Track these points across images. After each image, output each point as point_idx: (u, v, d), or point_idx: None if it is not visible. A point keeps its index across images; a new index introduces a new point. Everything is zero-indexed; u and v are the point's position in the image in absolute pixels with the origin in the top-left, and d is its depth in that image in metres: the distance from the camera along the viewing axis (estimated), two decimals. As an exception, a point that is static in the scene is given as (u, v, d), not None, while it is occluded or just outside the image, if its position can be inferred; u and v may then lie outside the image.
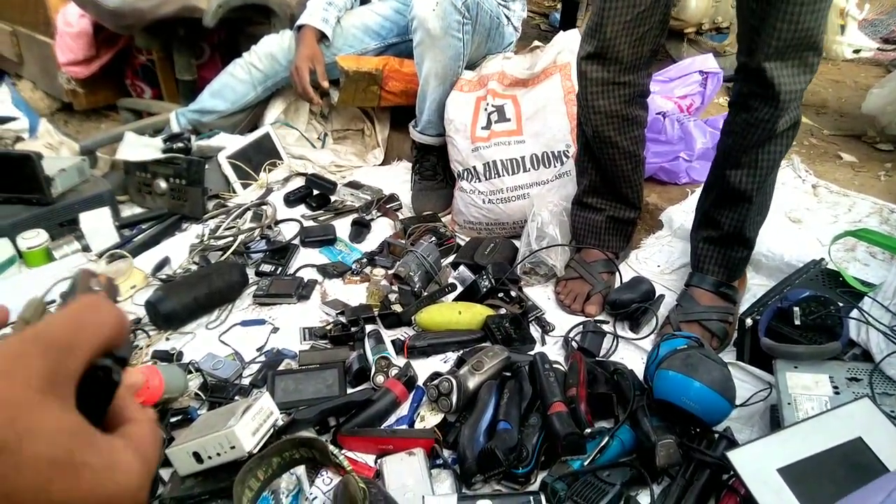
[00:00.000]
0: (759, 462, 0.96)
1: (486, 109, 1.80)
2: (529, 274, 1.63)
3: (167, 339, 1.55)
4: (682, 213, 1.70)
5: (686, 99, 1.95)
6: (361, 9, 2.21)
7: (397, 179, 2.19)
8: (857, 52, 2.89)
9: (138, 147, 2.09)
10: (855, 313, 1.21)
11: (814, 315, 1.21)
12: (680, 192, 1.79)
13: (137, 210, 2.12)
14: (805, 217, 1.65)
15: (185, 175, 1.99)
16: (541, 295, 1.60)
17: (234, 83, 2.20)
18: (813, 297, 1.23)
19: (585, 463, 1.10)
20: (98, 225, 1.94)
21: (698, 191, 1.74)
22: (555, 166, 1.73)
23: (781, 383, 1.13)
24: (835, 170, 1.92)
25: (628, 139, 1.44)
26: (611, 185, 1.50)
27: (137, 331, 1.56)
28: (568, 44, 1.83)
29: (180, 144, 2.11)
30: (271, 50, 2.15)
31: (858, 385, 1.10)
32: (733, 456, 0.98)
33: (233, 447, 1.11)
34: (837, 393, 1.10)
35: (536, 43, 2.02)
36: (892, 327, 1.14)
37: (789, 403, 1.09)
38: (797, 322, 1.23)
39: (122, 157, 2.07)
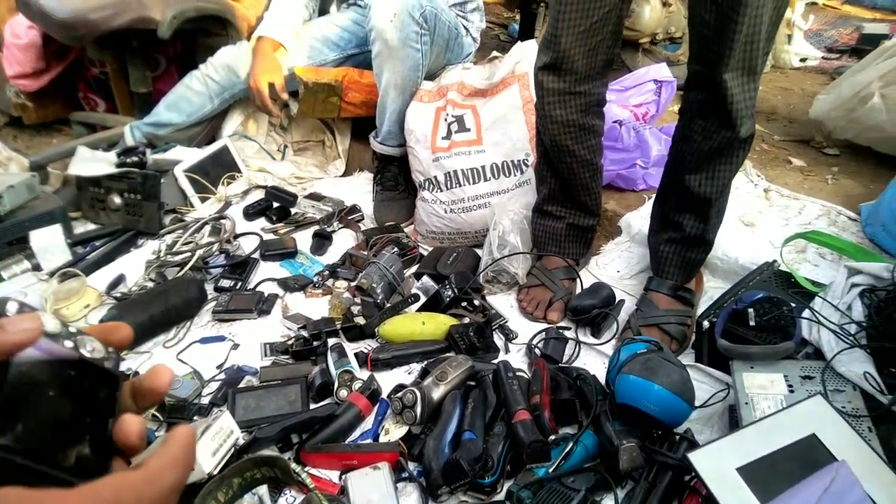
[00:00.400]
0: (718, 462, 0.98)
1: (445, 119, 1.81)
2: (492, 282, 1.64)
3: (123, 359, 1.51)
4: (639, 219, 1.72)
5: (641, 107, 1.99)
6: (320, 20, 2.20)
7: (359, 190, 2.18)
8: (803, 60, 2.99)
9: (91, 162, 2.04)
10: (807, 313, 1.25)
11: (767, 316, 1.24)
12: (637, 198, 1.82)
13: (91, 227, 2.06)
14: (758, 220, 1.69)
15: (140, 190, 1.94)
16: (504, 303, 1.60)
17: (190, 95, 2.17)
18: (766, 299, 1.27)
19: (550, 470, 1.11)
20: (49, 243, 1.88)
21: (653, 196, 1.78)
22: (515, 175, 1.75)
23: (738, 383, 1.16)
24: (785, 174, 1.98)
25: (585, 148, 1.46)
26: (570, 193, 1.52)
27: (92, 351, 1.51)
28: (526, 54, 1.85)
29: (135, 158, 2.07)
30: (228, 62, 2.12)
31: (812, 383, 1.13)
32: (693, 457, 1.00)
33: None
34: (792, 391, 1.12)
35: (495, 53, 2.03)
36: (842, 326, 1.18)
37: (746, 403, 1.12)
38: (752, 323, 1.26)
39: (75, 173, 2.02)
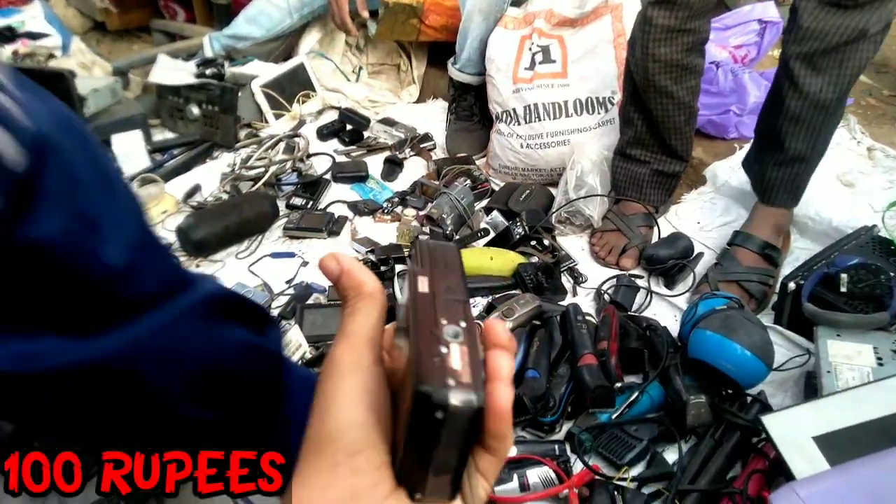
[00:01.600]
0: (794, 428, 0.94)
1: (530, 49, 1.72)
2: (564, 223, 1.59)
3: (197, 266, 1.56)
4: (727, 170, 1.63)
5: (741, 49, 1.85)
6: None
7: (432, 118, 2.14)
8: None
9: (171, 70, 2.05)
10: (906, 284, 1.16)
11: (862, 283, 1.16)
12: (727, 147, 1.72)
13: (169, 135, 2.10)
14: (858, 181, 1.57)
15: (218, 102, 1.96)
16: (575, 245, 1.56)
17: (269, 9, 2.14)
18: (862, 265, 1.18)
19: (613, 417, 1.09)
20: (130, 148, 1.93)
21: (746, 146, 1.67)
22: (599, 113, 1.67)
23: (822, 351, 1.10)
24: (893, 133, 1.82)
25: (685, 89, 1.38)
26: (659, 137, 1.44)
27: (168, 256, 1.56)
28: (622, -18, 1.73)
29: (213, 70, 2.08)
30: (310, -25, 2.07)
31: (904, 357, 1.06)
32: (768, 420, 0.96)
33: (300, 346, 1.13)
34: (881, 364, 1.06)
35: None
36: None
37: (829, 371, 1.06)
38: (843, 289, 1.18)
39: (155, 80, 2.04)
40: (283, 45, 2.25)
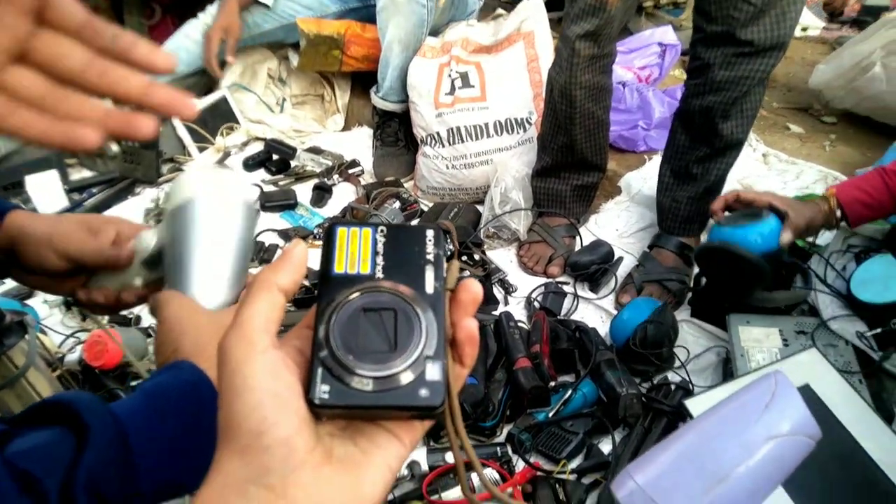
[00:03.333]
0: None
1: (449, 76, 1.80)
2: (492, 238, 1.65)
3: (124, 302, 1.52)
4: (640, 179, 1.74)
5: (645, 70, 1.99)
6: (322, -30, 2.16)
7: (359, 145, 2.17)
8: (804, 30, 2.98)
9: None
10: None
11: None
12: (638, 159, 1.83)
13: (87, 174, 2.04)
14: (756, 183, 1.71)
15: (139, 137, 1.92)
16: (503, 258, 1.62)
17: (188, 44, 2.13)
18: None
19: (550, 415, 1.14)
20: (46, 188, 1.87)
21: (656, 158, 1.79)
22: (518, 133, 1.75)
23: (734, 336, 1.19)
24: (783, 140, 2.00)
25: (602, 108, 1.48)
26: (579, 157, 1.53)
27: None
28: (531, 12, 1.83)
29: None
30: (228, 9, 2.08)
31: (805, 338, 1.16)
32: (690, 403, 1.03)
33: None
34: (786, 345, 1.16)
35: (500, 11, 2.02)
36: (834, 289, 1.21)
37: (742, 355, 1.15)
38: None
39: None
40: (205, 79, 2.24)
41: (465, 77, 1.79)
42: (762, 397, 0.77)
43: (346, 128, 2.32)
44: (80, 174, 2.04)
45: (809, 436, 0.75)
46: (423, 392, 0.30)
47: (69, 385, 1.22)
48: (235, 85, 2.23)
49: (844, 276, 1.24)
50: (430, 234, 0.34)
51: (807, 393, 1.01)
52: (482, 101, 1.76)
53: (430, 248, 0.33)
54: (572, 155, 1.54)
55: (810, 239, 1.41)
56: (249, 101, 2.26)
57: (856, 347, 1.13)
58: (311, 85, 2.37)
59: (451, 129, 1.76)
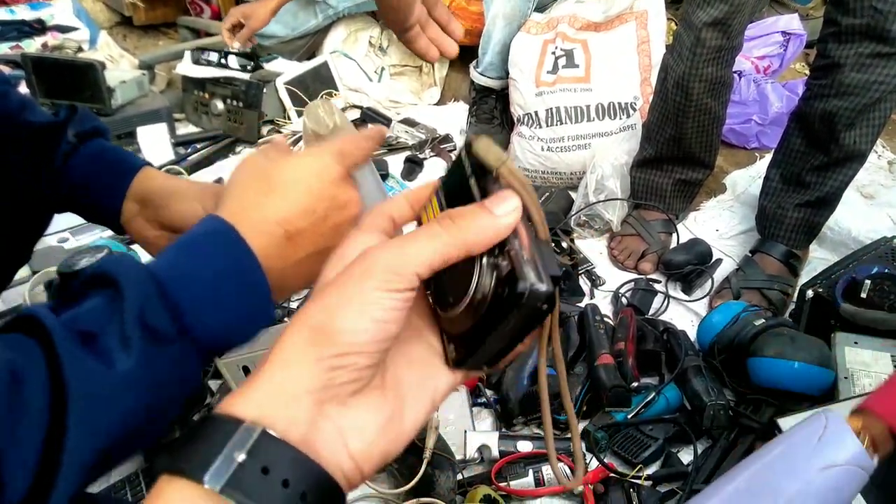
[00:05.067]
0: (811, 432, 0.94)
1: (553, 53, 1.74)
2: (583, 226, 1.60)
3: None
4: (747, 178, 1.64)
5: (764, 60, 1.86)
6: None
7: (453, 120, 2.15)
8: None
9: (198, 68, 2.08)
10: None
11: (884, 293, 1.17)
12: (747, 156, 1.73)
13: (193, 129, 2.13)
14: (878, 193, 1.58)
15: (243, 98, 1.98)
16: (593, 249, 1.57)
17: (294, 9, 2.17)
18: (886, 275, 1.18)
19: (629, 416, 1.10)
20: (155, 140, 1.96)
21: (767, 156, 1.67)
22: (621, 118, 1.68)
23: (840, 357, 1.10)
24: (914, 147, 1.83)
25: (721, 103, 1.40)
26: (687, 151, 1.45)
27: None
28: (647, -11, 1.74)
29: (242, 61, 2.10)
30: (336, -23, 2.10)
31: (922, 367, 1.06)
32: (783, 422, 0.97)
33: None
34: (899, 372, 1.06)
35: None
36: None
37: (846, 378, 1.06)
38: (864, 296, 1.18)
39: (181, 73, 2.07)
40: (308, 43, 2.27)
41: (569, 55, 1.73)
42: (814, 433, 0.77)
43: (442, 101, 2.30)
44: (186, 129, 2.14)
45: (863, 467, 0.74)
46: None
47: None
48: (337, 52, 2.25)
49: (975, 304, 1.12)
50: (462, 155, 0.35)
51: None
52: (586, 83, 1.70)
53: (466, 165, 0.34)
54: (679, 148, 1.46)
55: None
56: (350, 69, 2.28)
57: (982, 385, 1.02)
58: (411, 56, 2.36)
59: (551, 109, 1.71)
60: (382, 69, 2.37)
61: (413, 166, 1.87)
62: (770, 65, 1.87)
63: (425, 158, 1.93)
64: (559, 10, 1.82)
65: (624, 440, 1.06)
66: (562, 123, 1.70)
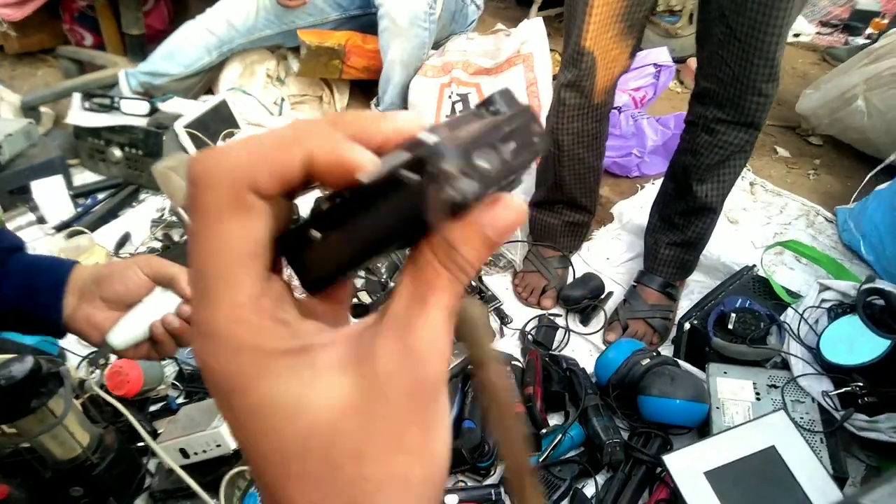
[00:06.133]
0: (689, 465, 1.12)
1: (450, 97, 1.84)
2: (490, 265, 1.73)
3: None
4: (631, 208, 1.81)
5: (640, 91, 2.03)
6: (323, -25, 2.15)
7: (357, 152, 2.21)
8: (796, 35, 3.02)
9: (88, 111, 2.01)
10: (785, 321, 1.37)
11: (746, 324, 1.37)
12: (631, 185, 1.90)
13: (90, 175, 2.08)
14: (741, 217, 1.79)
15: (142, 146, 1.95)
16: (499, 285, 1.70)
17: (186, 46, 2.13)
18: (749, 309, 1.39)
19: (540, 459, 1.24)
20: (52, 194, 1.90)
21: (648, 186, 1.86)
22: (516, 159, 1.80)
23: (712, 387, 1.29)
24: (771, 165, 2.07)
25: (594, 154, 1.53)
26: (570, 195, 1.59)
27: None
28: (531, 35, 1.86)
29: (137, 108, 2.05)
30: (228, 16, 2.08)
31: (776, 392, 1.27)
32: (668, 459, 1.14)
33: (218, 445, 1.19)
34: (759, 399, 1.26)
35: (500, 26, 2.04)
36: (808, 346, 1.31)
37: (718, 408, 1.25)
38: (731, 327, 1.38)
39: (73, 122, 2.00)
40: (203, 80, 2.24)
41: (465, 100, 1.83)
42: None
43: (345, 130, 2.35)
44: (82, 176, 2.08)
45: None
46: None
47: (93, 413, 1.30)
48: (234, 89, 2.24)
49: (816, 330, 1.34)
50: None
51: (771, 454, 1.12)
52: (482, 127, 1.80)
53: None
54: (562, 193, 1.61)
55: (790, 280, 1.51)
56: (249, 103, 2.27)
57: (821, 405, 1.24)
58: (310, 86, 2.38)
59: (452, 153, 1.81)
60: (282, 100, 2.38)
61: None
62: (645, 95, 2.05)
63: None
64: (452, 54, 1.91)
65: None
66: (463, 166, 1.80)
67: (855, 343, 1.25)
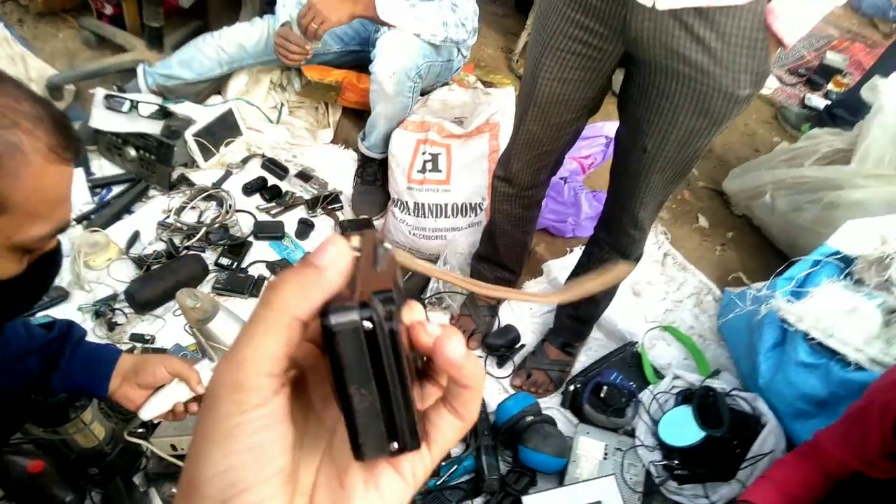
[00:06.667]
0: (540, 506, 1.57)
1: (423, 154, 2.15)
2: (434, 305, 2.11)
3: (142, 320, 1.97)
4: (559, 268, 2.19)
5: (589, 158, 2.36)
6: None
7: (343, 168, 2.53)
8: (759, 89, 3.28)
9: (110, 116, 2.30)
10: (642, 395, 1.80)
11: (613, 397, 1.79)
12: (563, 245, 2.27)
13: (105, 163, 2.39)
14: (644, 290, 2.18)
15: (155, 152, 2.26)
16: (440, 322, 2.09)
17: (201, 58, 2.39)
18: (617, 385, 1.80)
19: (437, 483, 1.68)
20: (73, 185, 2.21)
21: (577, 249, 2.23)
22: (470, 216, 2.16)
23: (575, 443, 1.72)
24: (687, 235, 2.44)
25: (522, 232, 1.88)
26: (501, 259, 1.96)
27: (116, 310, 1.96)
28: (502, 104, 2.16)
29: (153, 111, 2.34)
30: (240, 39, 2.33)
31: (619, 454, 1.71)
32: (526, 499, 1.58)
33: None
34: (606, 458, 1.70)
35: (478, 84, 2.33)
36: (653, 421, 1.74)
37: (574, 461, 1.69)
38: (603, 396, 1.80)
39: (95, 126, 2.29)
40: (212, 85, 2.51)
41: (435, 160, 2.15)
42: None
43: (335, 141, 2.65)
44: (99, 164, 2.39)
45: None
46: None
47: (107, 412, 1.69)
48: (240, 99, 2.52)
49: (663, 410, 1.76)
50: None
51: (598, 508, 1.57)
52: (446, 185, 2.14)
53: None
54: (497, 255, 1.97)
55: (666, 354, 1.93)
56: (252, 112, 2.56)
57: (648, 471, 1.68)
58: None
59: (418, 203, 2.15)
60: (282, 104, 2.67)
61: (306, 227, 2.27)
62: (593, 161, 2.38)
63: (315, 216, 2.33)
64: (430, 114, 2.20)
65: (432, 502, 1.65)
66: (425, 217, 2.15)
67: (683, 428, 1.68)
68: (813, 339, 1.48)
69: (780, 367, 1.60)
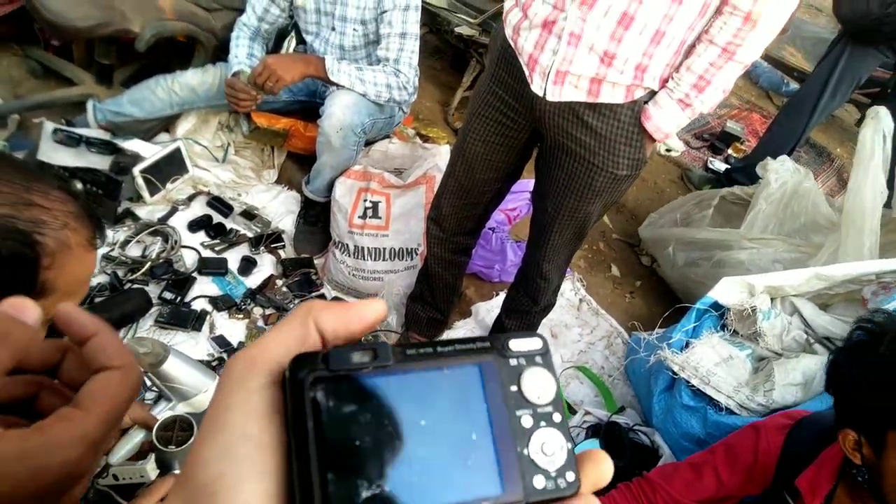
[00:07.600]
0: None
1: (364, 201, 2.33)
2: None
3: (84, 352, 2.02)
4: (486, 310, 2.39)
5: (514, 210, 2.60)
6: (280, 59, 2.55)
7: (286, 208, 2.66)
8: (668, 150, 3.66)
9: (59, 150, 2.36)
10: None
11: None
12: (490, 289, 2.48)
13: (49, 195, 2.42)
14: (561, 333, 2.41)
15: (103, 187, 2.33)
16: (374, 358, 2.24)
17: (153, 98, 2.49)
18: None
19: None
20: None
21: (502, 293, 2.44)
22: (406, 260, 2.33)
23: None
24: (601, 283, 2.70)
25: (451, 275, 2.08)
26: (433, 300, 2.14)
27: (59, 341, 2.01)
28: (436, 160, 2.37)
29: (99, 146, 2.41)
30: (193, 84, 2.45)
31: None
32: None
33: (142, 476, 1.70)
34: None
35: (417, 139, 2.54)
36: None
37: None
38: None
39: (43, 159, 2.34)
40: (161, 124, 2.61)
41: (375, 207, 2.33)
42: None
43: (279, 181, 2.78)
44: (43, 194, 2.42)
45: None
46: None
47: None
48: (189, 138, 2.63)
49: (575, 442, 1.97)
50: None
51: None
52: (385, 231, 2.32)
53: None
54: (432, 296, 2.16)
55: (580, 391, 2.14)
56: (199, 150, 2.67)
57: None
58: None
59: (358, 246, 2.32)
60: (229, 144, 2.78)
61: (248, 264, 2.39)
62: (519, 213, 2.62)
63: (258, 253, 2.45)
64: (372, 164, 2.39)
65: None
66: (364, 259, 2.32)
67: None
68: (693, 385, 1.72)
69: (670, 409, 1.84)
